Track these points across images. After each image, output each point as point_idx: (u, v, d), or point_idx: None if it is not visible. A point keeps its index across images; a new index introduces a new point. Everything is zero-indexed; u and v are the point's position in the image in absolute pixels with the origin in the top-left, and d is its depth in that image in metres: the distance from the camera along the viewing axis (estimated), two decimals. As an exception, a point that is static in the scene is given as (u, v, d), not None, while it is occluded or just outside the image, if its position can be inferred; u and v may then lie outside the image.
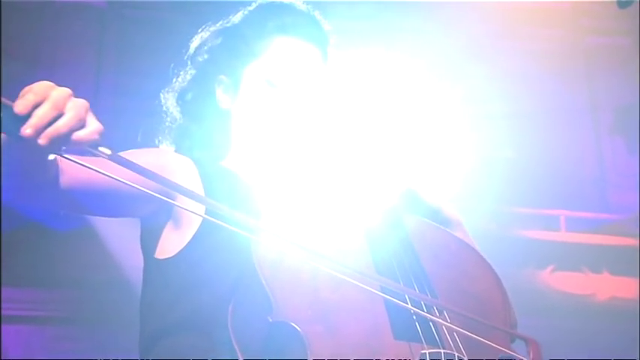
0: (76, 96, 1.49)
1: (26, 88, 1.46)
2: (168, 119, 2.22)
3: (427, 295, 1.73)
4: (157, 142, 2.22)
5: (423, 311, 1.63)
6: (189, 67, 2.21)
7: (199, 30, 2.23)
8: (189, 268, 1.88)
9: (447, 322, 1.61)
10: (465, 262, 1.91)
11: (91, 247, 5.91)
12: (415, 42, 5.94)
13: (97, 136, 1.47)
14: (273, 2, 2.18)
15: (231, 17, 2.21)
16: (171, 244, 1.93)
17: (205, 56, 2.18)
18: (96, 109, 1.52)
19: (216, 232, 1.83)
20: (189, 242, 1.90)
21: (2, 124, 1.41)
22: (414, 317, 1.66)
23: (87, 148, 1.46)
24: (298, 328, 1.60)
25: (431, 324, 1.67)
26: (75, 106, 1.46)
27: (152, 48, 6.43)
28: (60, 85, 1.47)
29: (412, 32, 6.11)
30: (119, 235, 6.07)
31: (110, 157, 1.48)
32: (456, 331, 1.64)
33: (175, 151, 2.19)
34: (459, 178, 5.88)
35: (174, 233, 1.93)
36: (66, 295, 6.04)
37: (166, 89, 2.24)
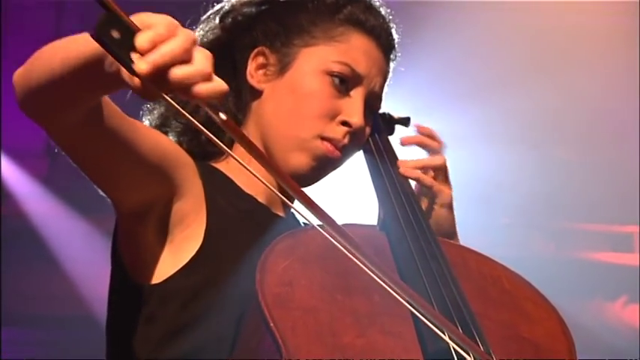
0: None
1: (143, 17, 1.38)
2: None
3: (476, 340, 1.74)
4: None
5: (470, 360, 1.64)
6: (213, 26, 2.16)
7: None
8: (185, 298, 1.88)
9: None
10: (522, 300, 1.92)
11: (51, 278, 5.94)
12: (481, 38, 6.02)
13: (220, 96, 1.39)
14: None
15: None
16: (160, 265, 1.90)
17: (242, 20, 2.14)
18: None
19: (219, 257, 1.86)
20: (186, 266, 1.89)
21: (114, 48, 1.33)
22: (458, 367, 1.68)
23: (204, 107, 1.40)
24: (313, 380, 1.61)
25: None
26: (204, 57, 1.39)
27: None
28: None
29: (483, 28, 6.17)
30: (83, 259, 6.10)
31: (224, 124, 1.41)
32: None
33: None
34: (510, 186, 5.88)
35: (163, 251, 1.91)
36: (26, 335, 6.08)
37: None
